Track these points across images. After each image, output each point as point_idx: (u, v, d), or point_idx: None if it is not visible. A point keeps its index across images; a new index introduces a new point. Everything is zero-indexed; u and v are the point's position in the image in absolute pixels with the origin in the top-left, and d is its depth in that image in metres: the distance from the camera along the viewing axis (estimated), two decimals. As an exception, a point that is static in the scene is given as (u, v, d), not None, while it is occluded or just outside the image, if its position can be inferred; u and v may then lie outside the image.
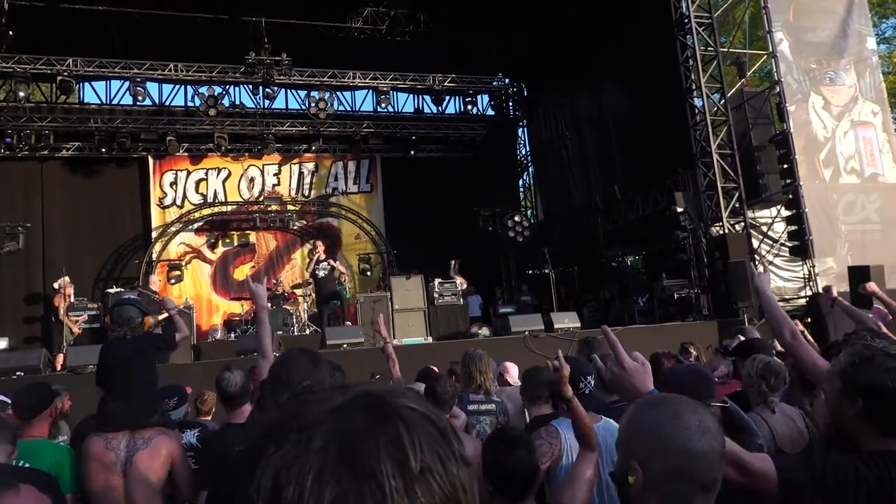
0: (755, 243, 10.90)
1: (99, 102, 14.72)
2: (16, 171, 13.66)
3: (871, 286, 3.42)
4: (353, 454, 0.54)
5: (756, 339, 3.93)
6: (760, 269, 3.23)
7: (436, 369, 5.08)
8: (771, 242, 11.30)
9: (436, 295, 11.86)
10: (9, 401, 3.24)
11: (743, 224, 10.74)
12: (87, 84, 14.61)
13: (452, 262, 12.13)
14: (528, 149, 17.98)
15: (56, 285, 11.91)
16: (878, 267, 8.72)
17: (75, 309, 10.80)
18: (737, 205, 10.74)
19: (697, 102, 11.15)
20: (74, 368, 8.53)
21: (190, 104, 14.59)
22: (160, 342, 3.52)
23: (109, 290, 11.94)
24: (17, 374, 8.59)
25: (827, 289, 3.69)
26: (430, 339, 10.72)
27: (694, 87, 11.18)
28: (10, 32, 12.06)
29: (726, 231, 10.54)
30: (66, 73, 12.84)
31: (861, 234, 10.66)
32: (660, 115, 12.18)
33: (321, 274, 10.83)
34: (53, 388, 3.88)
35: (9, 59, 12.48)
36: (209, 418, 5.03)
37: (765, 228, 11.41)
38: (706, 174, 10.89)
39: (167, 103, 14.92)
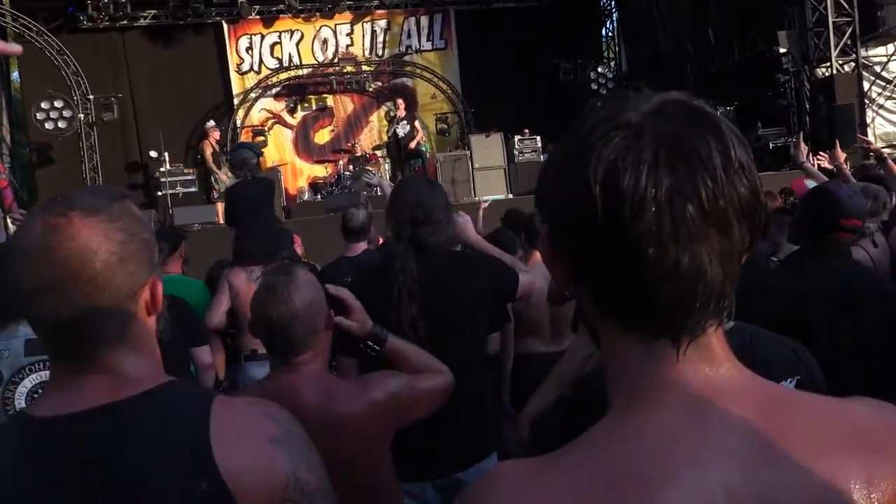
0: (865, 85, 10.01)
1: (170, -33, 14.50)
2: (100, 43, 13.95)
3: None
4: (685, 148, 0.59)
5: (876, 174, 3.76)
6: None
7: None
8: (884, 84, 10.35)
9: (516, 152, 11.74)
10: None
11: (854, 64, 9.82)
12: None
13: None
14: (611, -7, 16.67)
15: (153, 154, 12.53)
16: None
17: (172, 175, 11.37)
18: (848, 41, 9.78)
19: (811, -76, 9.89)
20: (181, 227, 9.16)
21: (258, -38, 14.17)
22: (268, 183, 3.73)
23: (199, 157, 12.44)
24: (132, 233, 9.34)
25: None
26: (510, 196, 10.76)
27: None
28: None
29: (834, 72, 9.70)
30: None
31: None
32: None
33: (401, 133, 10.86)
34: (180, 232, 4.24)
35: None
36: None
37: (878, 68, 10.41)
38: (816, 8, 9.86)
39: (235, -37, 14.52)
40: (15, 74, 14.40)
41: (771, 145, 10.57)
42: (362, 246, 3.31)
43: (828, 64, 9.79)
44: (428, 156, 12.25)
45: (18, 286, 0.90)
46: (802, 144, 3.29)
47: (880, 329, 2.32)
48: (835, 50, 9.67)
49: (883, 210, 3.29)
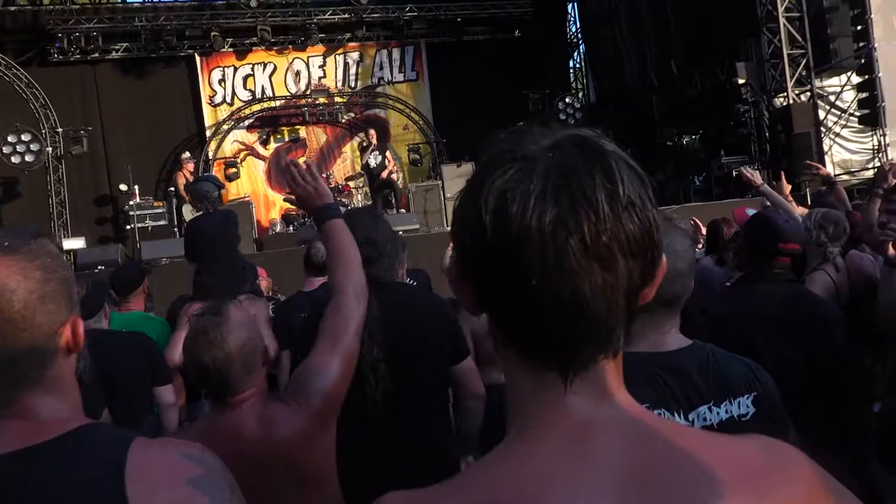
0: (821, 114, 10.37)
1: (141, 1, 14.60)
2: (71, 76, 13.91)
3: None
4: (571, 182, 0.62)
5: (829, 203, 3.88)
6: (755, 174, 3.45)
7: None
8: (839, 112, 10.72)
9: (487, 181, 11.85)
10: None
11: (809, 93, 10.18)
12: (127, -18, 14.46)
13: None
14: (578, 26, 17.12)
15: (122, 187, 12.42)
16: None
17: (141, 208, 11.25)
18: (803, 73, 10.15)
19: (764, -39, 10.32)
20: (149, 262, 9.05)
21: (231, -3, 14.33)
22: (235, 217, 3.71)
23: (171, 189, 12.37)
24: (99, 268, 9.20)
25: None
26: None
27: (761, -56, 10.31)
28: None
29: (791, 102, 10.04)
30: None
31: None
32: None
33: (373, 163, 10.92)
34: (143, 267, 4.21)
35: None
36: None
37: (832, 98, 10.79)
38: (771, 41, 10.24)
39: (208, -1, 14.68)
40: (-19, 108, 14.24)
41: (734, 173, 10.83)
42: (321, 280, 3.31)
43: (785, 94, 10.13)
44: (400, 186, 12.31)
45: None
46: (750, 172, 3.40)
47: (826, 353, 2.36)
48: (790, 80, 10.02)
49: (843, 235, 3.37)
